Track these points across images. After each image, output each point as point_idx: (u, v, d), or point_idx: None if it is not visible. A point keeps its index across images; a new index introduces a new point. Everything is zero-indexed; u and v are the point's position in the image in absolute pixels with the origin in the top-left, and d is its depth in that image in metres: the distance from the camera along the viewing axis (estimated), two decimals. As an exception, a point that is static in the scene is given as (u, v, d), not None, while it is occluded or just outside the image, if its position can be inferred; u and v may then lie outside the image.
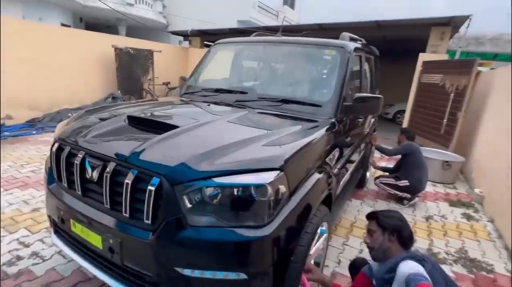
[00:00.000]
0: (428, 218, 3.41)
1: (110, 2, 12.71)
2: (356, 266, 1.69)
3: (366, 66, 3.18)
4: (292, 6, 20.09)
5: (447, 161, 4.58)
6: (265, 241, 1.19)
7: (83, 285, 1.93)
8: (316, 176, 1.60)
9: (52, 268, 2.06)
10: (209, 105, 2.17)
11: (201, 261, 1.19)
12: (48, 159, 1.72)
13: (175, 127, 1.51)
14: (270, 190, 1.21)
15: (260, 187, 1.20)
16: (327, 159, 1.84)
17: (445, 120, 5.28)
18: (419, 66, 6.34)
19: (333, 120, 2.03)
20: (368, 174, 4.33)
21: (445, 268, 2.50)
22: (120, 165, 1.30)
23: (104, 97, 7.28)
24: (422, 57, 6.33)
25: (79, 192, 1.43)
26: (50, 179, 1.66)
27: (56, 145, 1.58)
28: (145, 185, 1.21)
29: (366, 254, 2.60)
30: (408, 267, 1.24)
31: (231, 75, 2.88)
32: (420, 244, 2.83)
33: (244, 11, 15.31)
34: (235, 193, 1.20)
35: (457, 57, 7.16)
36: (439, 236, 3.03)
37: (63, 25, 12.47)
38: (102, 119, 1.76)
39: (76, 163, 1.41)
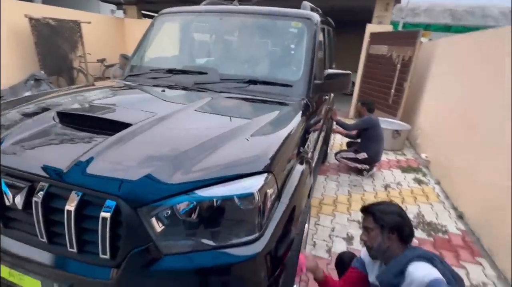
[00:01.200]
0: (386, 187, 3.60)
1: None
2: (344, 261, 1.62)
3: (326, 39, 3.03)
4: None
5: (397, 130, 4.87)
6: (259, 257, 1.00)
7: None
8: (299, 168, 1.44)
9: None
10: (163, 90, 1.82)
11: (183, 295, 0.96)
12: None
13: (126, 125, 1.18)
14: (259, 198, 1.00)
15: (249, 196, 0.99)
16: (305, 146, 1.69)
17: (392, 90, 5.56)
18: (367, 37, 6.47)
19: (306, 101, 1.86)
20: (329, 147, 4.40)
21: (408, 234, 2.66)
22: (55, 186, 0.96)
23: (24, 80, 6.08)
24: (369, 28, 6.45)
25: (-1, 224, 1.05)
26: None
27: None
28: (96, 210, 0.91)
29: (338, 232, 2.63)
30: (423, 272, 1.15)
31: (184, 52, 2.49)
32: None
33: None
34: (218, 207, 0.97)
35: (400, 28, 7.49)
36: (398, 203, 3.21)
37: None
38: (22, 117, 1.33)
39: (-13, 186, 1.01)
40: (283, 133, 1.32)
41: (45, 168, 0.97)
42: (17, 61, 6.20)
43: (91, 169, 0.95)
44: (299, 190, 1.32)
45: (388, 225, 1.32)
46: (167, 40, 2.57)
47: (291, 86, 1.92)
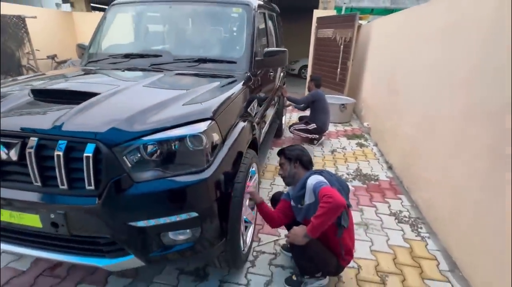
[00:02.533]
0: (333, 151, 4.15)
1: None
2: (276, 198, 2.05)
3: (270, 23, 3.41)
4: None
5: (343, 104, 5.47)
6: (207, 182, 1.36)
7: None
8: (241, 124, 1.82)
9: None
10: (123, 71, 2.09)
11: (153, 211, 1.30)
12: None
13: (95, 94, 1.47)
14: (205, 138, 1.36)
15: (196, 136, 1.34)
16: (248, 109, 2.07)
17: (338, 69, 6.15)
18: (314, 22, 6.99)
19: (248, 74, 2.24)
20: (283, 122, 4.86)
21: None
22: (44, 139, 1.24)
23: (-33, 80, 5.77)
24: (316, 14, 6.97)
25: (-5, 177, 1.30)
26: None
27: None
28: (80, 153, 1.21)
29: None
30: (313, 179, 1.62)
31: (139, 39, 2.73)
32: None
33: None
34: (173, 146, 1.31)
35: (343, 12, 8.11)
36: (341, 163, 3.77)
37: None
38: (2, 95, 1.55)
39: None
40: (225, 94, 1.69)
41: (34, 126, 1.25)
42: (-43, 61, 5.85)
43: (72, 124, 1.24)
44: (240, 139, 1.70)
45: (293, 157, 1.81)
46: (121, 29, 2.78)
47: (235, 62, 2.29)
